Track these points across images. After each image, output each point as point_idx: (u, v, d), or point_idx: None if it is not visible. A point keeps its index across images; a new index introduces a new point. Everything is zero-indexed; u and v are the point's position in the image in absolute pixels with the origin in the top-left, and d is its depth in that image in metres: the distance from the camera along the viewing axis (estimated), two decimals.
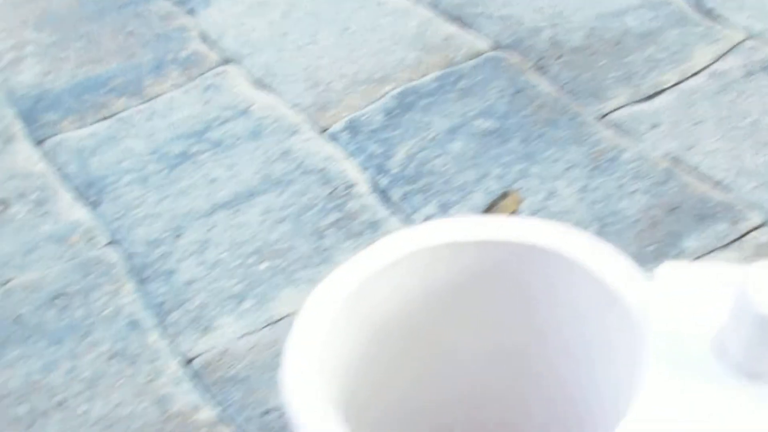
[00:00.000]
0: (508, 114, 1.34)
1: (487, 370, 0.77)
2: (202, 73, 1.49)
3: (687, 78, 1.37)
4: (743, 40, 1.41)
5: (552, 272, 0.68)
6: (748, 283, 0.51)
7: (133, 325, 1.13)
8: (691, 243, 1.13)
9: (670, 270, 0.60)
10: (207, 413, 1.04)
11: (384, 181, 1.27)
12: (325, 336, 0.66)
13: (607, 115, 1.33)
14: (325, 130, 1.36)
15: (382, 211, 1.23)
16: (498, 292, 0.72)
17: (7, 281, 1.21)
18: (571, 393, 0.75)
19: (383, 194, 1.25)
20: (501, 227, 0.70)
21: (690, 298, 0.57)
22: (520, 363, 0.76)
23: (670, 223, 1.16)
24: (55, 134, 1.42)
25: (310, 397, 0.61)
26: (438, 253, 0.69)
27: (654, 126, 1.30)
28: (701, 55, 1.40)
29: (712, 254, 1.12)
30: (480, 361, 0.77)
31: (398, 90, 1.41)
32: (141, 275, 1.19)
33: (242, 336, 1.11)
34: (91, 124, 1.43)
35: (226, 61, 1.51)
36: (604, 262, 0.65)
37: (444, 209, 1.22)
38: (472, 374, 0.78)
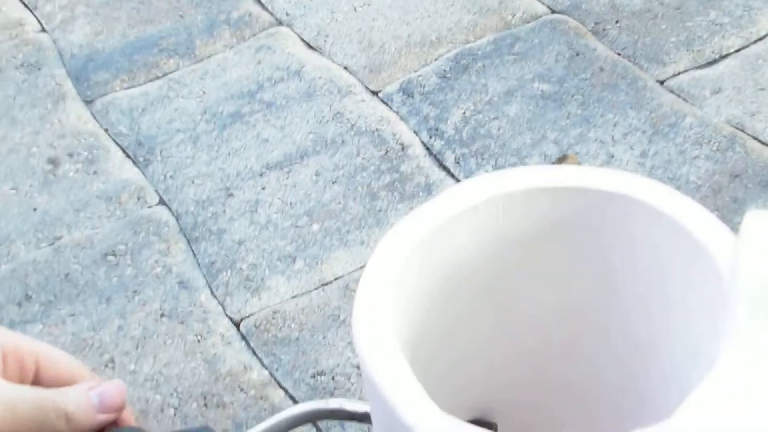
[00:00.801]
0: (566, 78, 1.31)
1: (555, 324, 0.75)
2: (255, 34, 1.48)
3: (751, 43, 1.32)
4: None
5: (632, 221, 0.65)
6: None
7: (184, 284, 1.13)
8: (755, 210, 1.09)
9: (757, 220, 0.57)
10: (257, 374, 1.03)
11: (438, 144, 1.24)
12: (395, 282, 0.64)
13: (667, 80, 1.29)
14: (378, 92, 1.34)
15: (436, 173, 1.20)
16: (574, 241, 0.69)
17: (58, 239, 1.20)
18: (643, 351, 0.72)
19: (437, 157, 1.23)
20: (579, 175, 0.67)
21: None
22: (589, 318, 0.73)
23: (734, 190, 1.13)
24: (106, 94, 1.41)
25: (380, 344, 0.59)
26: (513, 199, 0.67)
27: (716, 92, 1.26)
28: (766, 20, 1.35)
29: None
30: (549, 314, 0.74)
31: (453, 52, 1.38)
32: (191, 235, 1.18)
33: (293, 297, 1.09)
34: (142, 84, 1.42)
35: (279, 22, 1.49)
36: (688, 213, 0.62)
37: None
38: (539, 329, 0.75)
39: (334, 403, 0.80)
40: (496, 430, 0.72)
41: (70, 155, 1.32)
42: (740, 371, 0.49)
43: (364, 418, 0.63)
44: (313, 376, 1.01)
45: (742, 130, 1.20)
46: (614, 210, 0.67)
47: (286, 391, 1.01)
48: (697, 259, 0.63)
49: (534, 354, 0.76)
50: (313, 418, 0.72)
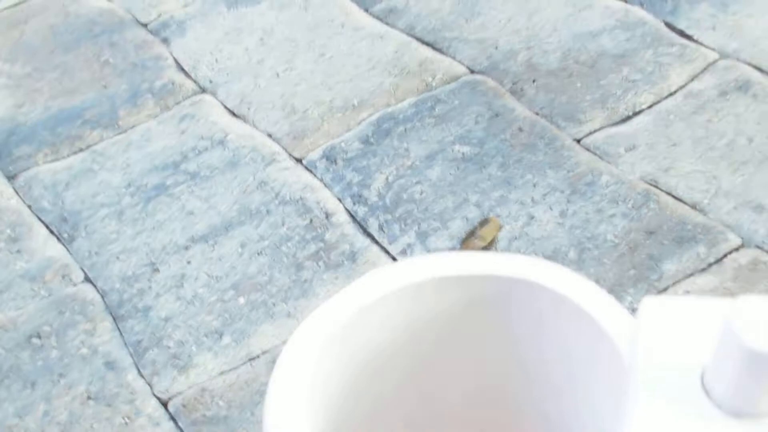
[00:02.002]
0: (486, 139, 1.34)
1: (472, 409, 0.76)
2: (178, 102, 1.48)
3: (663, 99, 1.36)
4: (717, 60, 1.41)
5: (538, 306, 0.67)
6: (733, 317, 0.50)
7: (110, 365, 1.12)
8: (670, 266, 1.13)
9: (653, 304, 0.59)
10: None
11: (362, 211, 1.26)
12: (309, 374, 0.65)
13: (584, 138, 1.32)
14: (302, 159, 1.35)
15: (361, 241, 1.22)
16: (484, 326, 0.71)
17: None
18: (553, 426, 0.74)
19: (361, 224, 1.24)
20: (486, 262, 0.69)
21: (676, 333, 0.56)
22: (505, 401, 0.75)
23: (650, 247, 1.16)
24: (29, 168, 1.41)
25: None
26: (423, 288, 0.69)
27: (631, 148, 1.29)
28: (676, 76, 1.39)
29: (691, 278, 1.11)
30: (466, 398, 0.76)
31: (375, 116, 1.40)
32: (117, 313, 1.18)
33: (221, 373, 1.09)
34: (66, 157, 1.42)
35: (202, 90, 1.50)
36: (590, 297, 0.65)
37: (423, 238, 1.21)
38: (457, 414, 0.77)
39: None
40: None
41: None
42: None
43: None
44: None
45: (656, 186, 1.23)
46: (521, 295, 0.69)
47: None
48: (599, 342, 0.65)
49: None
50: None
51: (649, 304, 0.59)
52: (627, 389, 0.57)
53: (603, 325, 0.65)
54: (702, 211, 1.19)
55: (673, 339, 0.57)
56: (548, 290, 0.68)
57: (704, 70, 1.40)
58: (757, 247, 1.14)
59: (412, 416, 0.78)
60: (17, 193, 1.37)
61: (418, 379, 0.76)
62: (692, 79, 1.39)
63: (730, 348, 0.51)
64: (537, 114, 1.37)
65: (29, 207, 1.34)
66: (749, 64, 1.39)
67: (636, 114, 1.35)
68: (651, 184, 1.24)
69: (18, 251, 1.28)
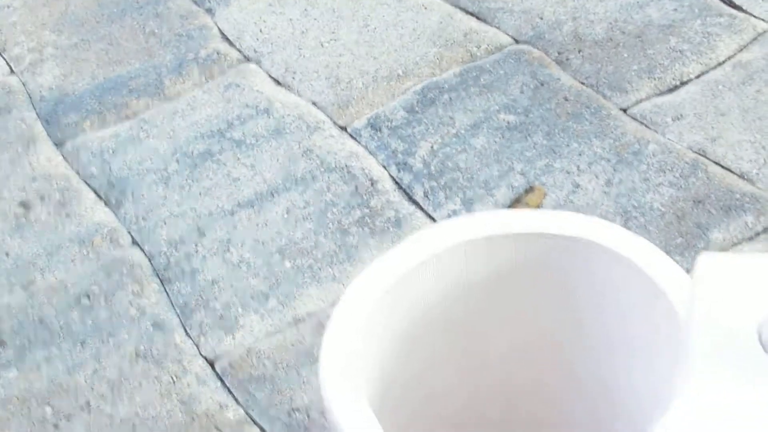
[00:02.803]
0: (531, 108, 1.33)
1: (522, 364, 0.77)
2: (223, 72, 1.49)
3: (711, 69, 1.35)
4: (766, 31, 1.39)
5: (594, 265, 0.67)
6: None
7: (158, 325, 1.13)
8: (718, 235, 1.12)
9: (709, 261, 0.59)
10: (233, 413, 1.03)
11: (407, 178, 1.26)
12: (362, 330, 0.65)
13: (630, 107, 1.31)
14: (346, 128, 1.36)
15: (405, 207, 1.22)
16: (537, 285, 0.71)
17: (31, 283, 1.21)
18: (608, 388, 0.74)
19: (406, 191, 1.25)
20: (538, 220, 0.69)
21: (732, 290, 0.56)
22: (556, 357, 0.75)
23: (697, 215, 1.15)
24: (77, 136, 1.42)
25: (346, 392, 0.60)
26: (475, 246, 0.69)
27: (678, 118, 1.28)
28: (725, 46, 1.38)
29: (738, 246, 1.10)
30: (516, 356, 0.76)
31: (420, 86, 1.40)
32: (165, 275, 1.19)
33: (267, 335, 1.10)
34: (113, 125, 1.43)
35: (247, 60, 1.51)
36: (646, 256, 0.65)
37: (467, 205, 1.21)
38: (507, 370, 0.77)
39: None
40: None
41: (42, 198, 1.32)
42: (692, 414, 0.50)
43: None
44: (288, 414, 1.02)
45: (704, 156, 1.22)
46: (576, 254, 0.69)
47: (261, 429, 1.02)
48: (656, 300, 0.65)
49: (505, 393, 0.77)
50: None
51: (705, 260, 0.59)
52: (683, 347, 0.57)
53: (659, 283, 0.65)
54: (750, 180, 1.18)
55: (729, 295, 0.57)
56: (604, 248, 0.67)
57: (753, 40, 1.38)
58: None
59: (461, 369, 0.78)
60: (66, 159, 1.39)
61: (470, 338, 0.77)
62: (741, 50, 1.37)
63: None
64: (583, 84, 1.36)
65: (77, 173, 1.36)
66: None
67: (683, 84, 1.34)
68: (699, 154, 1.23)
69: (67, 215, 1.29)
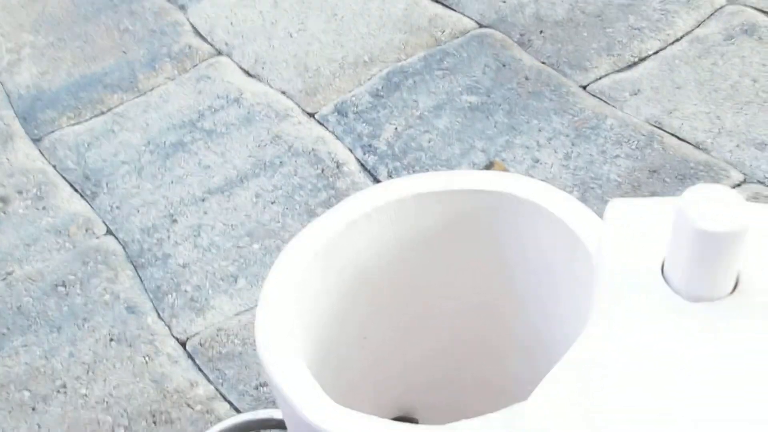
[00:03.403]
0: (493, 88, 1.37)
1: (465, 322, 0.79)
2: (195, 65, 1.53)
3: (668, 45, 1.38)
4: (724, 6, 1.42)
5: (518, 218, 0.70)
6: (685, 204, 0.52)
7: (131, 309, 1.17)
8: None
9: (618, 206, 0.61)
10: (203, 389, 1.07)
11: (372, 160, 1.29)
12: (295, 294, 0.68)
13: (589, 84, 1.34)
14: (314, 114, 1.39)
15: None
16: (468, 240, 0.74)
17: (9, 273, 1.24)
18: (544, 341, 0.77)
19: (371, 172, 1.28)
20: (464, 178, 0.72)
21: (639, 231, 0.59)
22: (493, 313, 0.78)
23: (652, 185, 1.18)
24: (53, 131, 1.46)
25: (284, 357, 0.63)
26: (404, 205, 0.71)
27: (636, 93, 1.32)
28: (682, 23, 1.41)
29: None
30: (457, 313, 0.79)
31: (385, 71, 1.43)
32: (138, 261, 1.22)
33: (236, 314, 1.14)
34: (88, 119, 1.46)
35: (219, 53, 1.54)
36: (563, 206, 0.68)
37: None
38: (450, 327, 0.79)
39: (262, 414, 0.84)
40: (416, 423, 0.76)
41: (20, 192, 1.36)
42: (596, 346, 0.53)
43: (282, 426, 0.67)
44: (256, 388, 1.05)
45: (660, 128, 1.25)
46: (500, 208, 0.72)
47: (231, 403, 1.05)
48: (575, 249, 0.68)
49: (448, 353, 0.80)
50: (243, 429, 0.76)
51: (615, 205, 0.62)
52: (595, 288, 0.59)
53: (576, 230, 0.68)
54: (705, 150, 1.21)
55: (636, 236, 0.59)
56: (524, 201, 0.70)
57: (711, 15, 1.41)
58: (759, 182, 1.16)
59: (404, 331, 0.81)
60: (43, 154, 1.42)
61: (408, 298, 0.79)
62: (698, 25, 1.40)
63: (684, 233, 0.53)
64: (543, 63, 1.39)
65: (54, 167, 1.39)
66: (755, 8, 1.40)
67: (642, 60, 1.37)
68: (655, 126, 1.26)
69: (44, 208, 1.33)
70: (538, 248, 0.70)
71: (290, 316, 0.66)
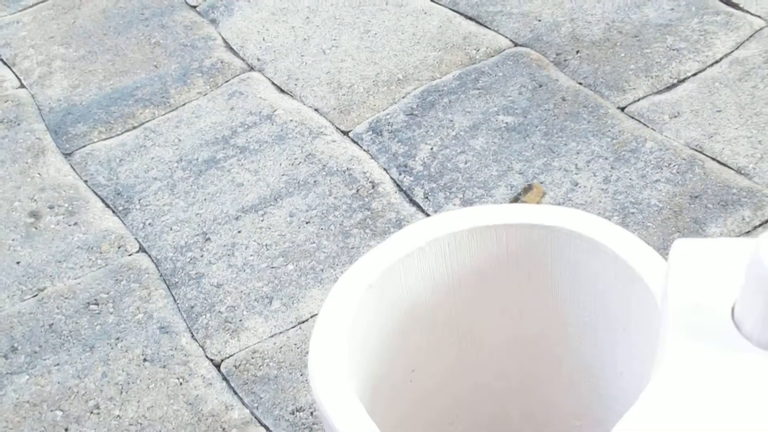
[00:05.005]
0: (529, 109, 1.35)
1: (513, 359, 0.78)
2: (227, 80, 1.52)
3: (707, 66, 1.36)
4: (763, 27, 1.40)
5: (572, 253, 0.69)
6: (760, 251, 0.51)
7: (164, 329, 1.16)
8: (715, 229, 1.13)
9: (685, 246, 0.60)
10: (238, 413, 1.05)
11: (407, 180, 1.28)
12: (348, 326, 0.67)
13: (628, 106, 1.33)
14: (348, 132, 1.38)
15: (406, 209, 1.24)
16: (521, 275, 0.73)
17: (41, 290, 1.23)
18: (594, 377, 0.75)
19: (407, 192, 1.26)
20: (521, 212, 0.71)
21: (707, 273, 0.57)
22: (544, 350, 0.76)
23: (694, 211, 1.16)
24: (85, 146, 1.45)
25: (337, 389, 0.62)
26: (459, 238, 0.70)
27: (675, 115, 1.30)
28: (721, 44, 1.39)
29: None
30: (505, 350, 0.77)
31: (420, 89, 1.42)
32: (171, 280, 1.21)
33: (271, 336, 1.12)
34: (120, 134, 1.46)
35: (251, 68, 1.53)
36: (622, 242, 0.66)
37: (467, 205, 1.23)
38: (498, 365, 0.78)
39: None
40: None
41: (51, 207, 1.35)
42: (667, 395, 0.52)
43: None
44: (293, 413, 1.04)
45: (701, 152, 1.24)
46: (556, 243, 0.70)
47: (266, 428, 1.03)
48: (632, 286, 0.66)
49: (494, 389, 0.79)
50: None
51: (681, 245, 0.60)
52: (660, 331, 0.58)
53: (635, 268, 0.66)
54: (747, 175, 1.20)
55: (704, 278, 0.58)
56: (582, 237, 0.69)
57: (750, 37, 1.40)
58: None
59: (453, 365, 0.80)
60: (74, 169, 1.41)
61: (458, 329, 0.78)
62: (738, 47, 1.39)
63: (758, 280, 0.52)
64: (580, 84, 1.38)
65: (85, 182, 1.38)
66: None
67: (680, 82, 1.35)
68: (696, 150, 1.24)
69: (75, 224, 1.32)
70: (594, 284, 0.69)
71: (343, 350, 0.65)
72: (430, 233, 0.69)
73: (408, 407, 0.78)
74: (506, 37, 1.48)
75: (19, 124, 1.51)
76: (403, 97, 1.41)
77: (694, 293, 0.57)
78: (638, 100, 1.33)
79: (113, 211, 1.33)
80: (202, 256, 1.24)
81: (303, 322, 1.13)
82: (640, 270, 0.63)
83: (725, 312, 0.56)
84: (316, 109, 1.43)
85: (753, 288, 0.53)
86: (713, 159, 1.23)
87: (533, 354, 0.77)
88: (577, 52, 1.43)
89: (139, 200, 1.34)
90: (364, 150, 1.34)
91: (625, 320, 0.67)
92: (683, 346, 0.55)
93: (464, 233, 0.69)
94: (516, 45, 1.47)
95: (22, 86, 1.60)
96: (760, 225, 1.13)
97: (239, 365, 1.10)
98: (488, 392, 0.81)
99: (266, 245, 1.23)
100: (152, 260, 1.25)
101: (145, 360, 1.12)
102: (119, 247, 1.27)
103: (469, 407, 0.82)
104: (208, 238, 1.26)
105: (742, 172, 1.20)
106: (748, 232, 1.12)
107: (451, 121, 1.36)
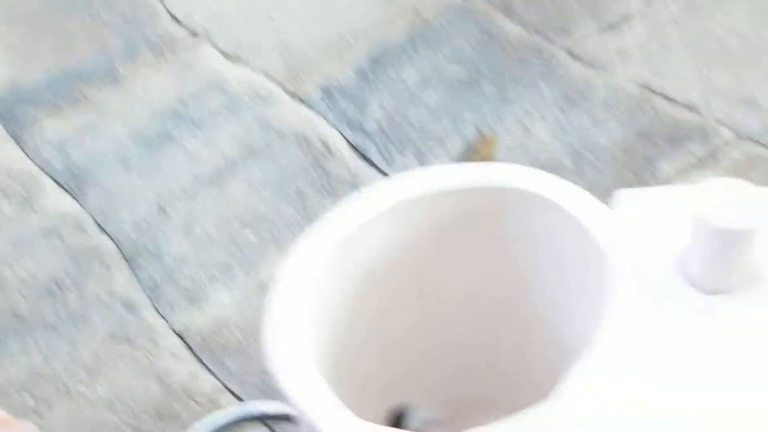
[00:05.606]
0: (479, 59, 1.35)
1: (477, 315, 0.79)
2: (175, 52, 1.50)
3: (653, 3, 1.37)
4: None
5: (526, 213, 0.70)
6: (703, 201, 0.52)
7: (129, 306, 1.16)
8: (665, 165, 1.14)
9: (627, 197, 0.61)
10: (208, 383, 1.06)
11: (361, 139, 1.28)
12: (306, 295, 0.67)
13: (575, 49, 1.33)
14: (299, 96, 1.37)
15: (361, 168, 1.24)
16: (479, 237, 0.73)
17: (1, 277, 1.23)
18: (554, 333, 0.76)
19: (361, 151, 1.26)
20: (475, 174, 0.71)
21: (651, 223, 0.58)
22: (507, 307, 0.77)
23: (644, 148, 1.17)
24: (35, 129, 1.43)
25: (293, 357, 0.62)
26: (415, 203, 0.71)
27: (622, 55, 1.30)
28: None
29: (686, 174, 1.13)
30: (466, 309, 0.78)
31: (369, 48, 1.41)
32: (132, 257, 1.21)
33: (234, 304, 1.13)
34: (70, 115, 1.44)
35: (197, 37, 1.52)
36: (572, 199, 0.67)
37: (421, 159, 1.23)
38: (463, 320, 0.79)
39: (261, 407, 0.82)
40: (406, 414, 0.75)
41: (6, 194, 1.34)
42: (614, 347, 0.52)
43: (288, 418, 0.66)
44: (261, 379, 1.05)
45: (649, 90, 1.24)
46: (511, 204, 0.71)
47: (237, 396, 1.04)
48: (585, 243, 0.67)
49: (459, 344, 0.79)
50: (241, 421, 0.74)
51: (623, 197, 0.61)
52: (609, 284, 0.59)
53: (585, 224, 0.67)
54: (695, 110, 1.21)
55: (648, 228, 0.59)
56: (533, 195, 0.69)
57: None
58: (750, 139, 1.15)
59: (417, 323, 0.80)
60: (26, 153, 1.40)
61: (420, 288, 0.78)
62: None
63: (703, 230, 0.53)
64: (528, 30, 1.38)
65: (39, 166, 1.37)
66: None
67: (626, 20, 1.35)
68: (644, 89, 1.25)
69: (32, 209, 1.31)
70: (547, 242, 0.70)
71: (300, 321, 0.65)
72: (384, 200, 0.70)
73: (371, 368, 0.78)
74: None
75: None
76: (353, 57, 1.41)
77: (637, 244, 0.58)
78: (585, 41, 1.34)
79: (69, 193, 1.32)
80: (161, 230, 1.23)
81: (265, 287, 1.13)
82: (590, 227, 0.64)
83: (670, 260, 0.57)
84: (266, 75, 1.42)
85: (697, 237, 0.54)
86: (662, 96, 1.23)
87: (497, 313, 0.78)
88: None
89: (95, 180, 1.33)
90: (316, 112, 1.34)
91: (580, 278, 0.67)
92: (631, 296, 0.55)
93: (419, 199, 0.69)
94: None
95: None
96: (708, 157, 1.14)
97: (205, 336, 1.10)
98: (453, 347, 0.82)
99: (224, 215, 1.23)
100: (111, 239, 1.24)
101: (112, 339, 1.12)
102: (77, 229, 1.27)
103: (434, 363, 0.82)
104: (166, 213, 1.25)
105: (691, 107, 1.21)
106: (698, 165, 1.14)
107: (402, 77, 1.35)
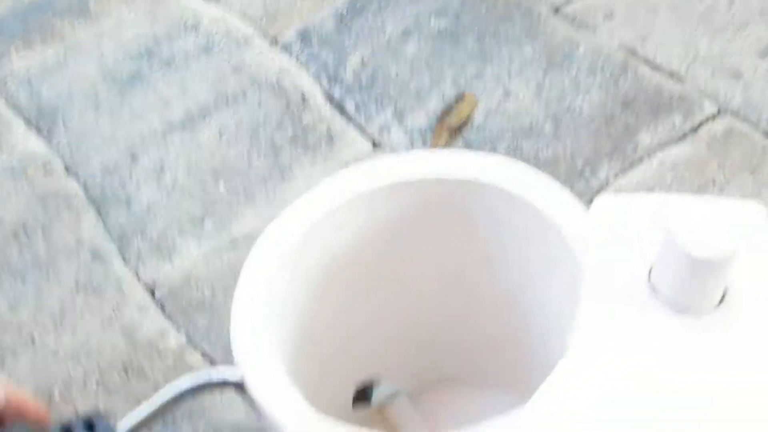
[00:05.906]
0: (462, 12, 1.32)
1: (445, 298, 0.78)
2: None
3: None
4: None
5: (492, 205, 0.68)
6: (674, 223, 0.51)
7: (96, 255, 1.14)
8: (645, 136, 1.13)
9: (605, 202, 0.60)
10: (174, 339, 1.05)
11: (338, 91, 1.25)
12: (273, 285, 0.66)
13: (561, 7, 1.30)
14: (276, 41, 1.34)
15: (338, 122, 1.22)
16: (443, 226, 0.72)
17: None
18: (519, 315, 0.76)
19: (338, 104, 1.24)
20: (441, 163, 0.70)
21: (626, 231, 0.57)
22: (476, 291, 0.77)
23: (626, 117, 1.16)
24: (2, 64, 1.39)
25: (258, 352, 0.61)
26: (380, 193, 0.70)
27: (608, 17, 1.28)
28: None
29: (666, 148, 1.12)
30: (436, 290, 0.77)
31: None
32: (100, 204, 1.19)
33: (205, 259, 1.11)
34: (39, 50, 1.40)
35: None
36: (542, 194, 0.65)
37: (399, 116, 1.21)
38: (430, 303, 0.78)
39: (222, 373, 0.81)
40: (371, 389, 0.75)
41: None
42: (581, 365, 0.52)
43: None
44: (229, 337, 1.04)
45: (634, 55, 1.23)
46: (475, 195, 0.70)
47: (203, 353, 1.03)
48: (550, 237, 0.65)
49: (427, 323, 0.79)
50: (197, 390, 0.74)
51: (601, 202, 0.60)
52: (579, 289, 0.58)
53: (553, 222, 0.66)
54: (679, 79, 1.19)
55: (623, 237, 0.57)
56: (499, 189, 0.68)
57: None
58: (733, 114, 1.14)
59: (381, 310, 0.80)
60: None
61: (385, 277, 0.78)
62: None
63: (673, 253, 0.52)
64: None
65: (6, 102, 1.34)
66: None
67: None
68: (629, 53, 1.23)
69: None
70: (515, 236, 0.69)
71: (265, 314, 0.65)
72: (349, 189, 0.69)
73: (341, 345, 0.78)
74: None
75: None
76: (333, 2, 1.37)
77: (612, 252, 0.57)
78: (572, 0, 1.31)
79: (37, 132, 1.29)
80: (130, 177, 1.21)
81: (236, 243, 1.12)
82: (557, 223, 0.63)
83: (642, 272, 0.56)
84: (242, 18, 1.38)
85: (667, 258, 0.53)
86: (646, 62, 1.22)
87: (467, 296, 0.77)
88: None
89: (64, 120, 1.30)
90: (294, 60, 1.31)
91: (544, 267, 0.67)
92: (598, 306, 0.55)
93: (383, 189, 0.68)
94: None
95: None
96: (690, 131, 1.13)
97: (174, 290, 1.09)
98: (419, 327, 0.81)
99: (196, 164, 1.21)
100: (80, 183, 1.22)
101: (78, 288, 1.11)
102: (45, 171, 1.24)
103: (400, 341, 0.82)
104: (137, 158, 1.23)
105: (674, 76, 1.19)
106: (679, 138, 1.13)
107: (383, 26, 1.32)
